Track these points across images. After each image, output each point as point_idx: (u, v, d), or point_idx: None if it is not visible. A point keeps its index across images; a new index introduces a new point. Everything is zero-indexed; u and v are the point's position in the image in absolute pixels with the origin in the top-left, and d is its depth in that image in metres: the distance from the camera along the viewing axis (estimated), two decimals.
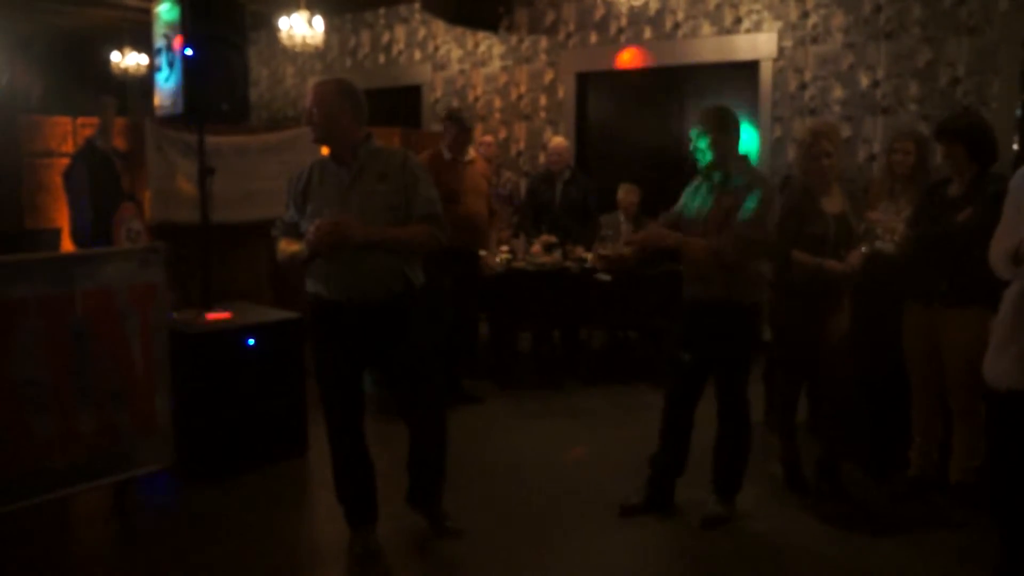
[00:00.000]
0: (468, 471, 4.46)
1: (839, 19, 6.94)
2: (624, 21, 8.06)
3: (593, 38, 8.30)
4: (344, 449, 3.69)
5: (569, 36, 8.47)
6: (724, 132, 3.80)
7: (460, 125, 5.62)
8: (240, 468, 4.53)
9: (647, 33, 7.95)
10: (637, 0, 7.75)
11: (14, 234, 5.44)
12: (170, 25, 4.53)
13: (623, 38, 8.09)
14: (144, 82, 11.39)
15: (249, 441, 4.54)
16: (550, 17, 8.58)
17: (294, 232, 3.54)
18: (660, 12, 7.82)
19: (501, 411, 5.74)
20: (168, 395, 4.07)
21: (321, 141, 3.52)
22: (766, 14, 7.28)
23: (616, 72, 8.22)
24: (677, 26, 7.77)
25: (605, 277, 6.08)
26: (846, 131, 6.84)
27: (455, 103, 9.24)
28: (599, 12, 8.21)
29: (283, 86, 11.26)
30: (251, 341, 4.51)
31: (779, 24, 7.22)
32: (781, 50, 7.22)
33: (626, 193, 6.96)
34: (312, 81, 3.59)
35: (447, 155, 5.64)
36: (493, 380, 6.32)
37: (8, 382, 3.58)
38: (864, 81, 6.86)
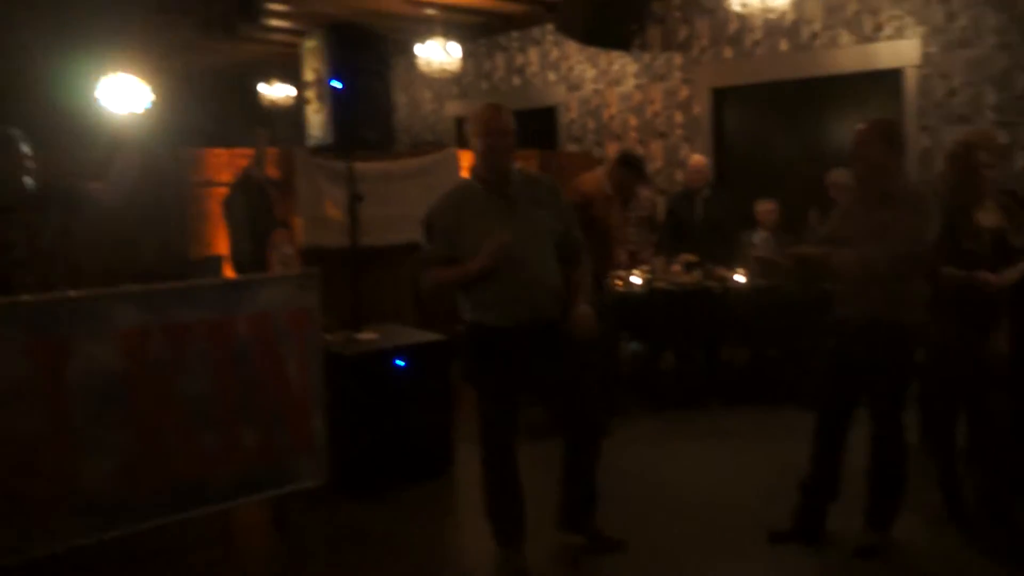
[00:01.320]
0: (611, 492, 4.45)
1: (990, 19, 6.62)
2: (759, 34, 7.92)
3: (728, 52, 8.20)
4: (500, 470, 3.73)
5: (703, 51, 8.39)
6: (884, 145, 3.68)
7: (635, 171, 5.64)
8: (389, 485, 4.67)
9: (783, 45, 7.79)
10: (772, 11, 7.61)
11: (181, 262, 5.76)
12: (319, 58, 4.73)
13: (759, 51, 7.95)
14: (291, 112, 11.93)
15: (398, 459, 4.68)
16: (683, 33, 8.53)
17: (444, 263, 3.59)
18: (796, 23, 7.66)
19: (643, 431, 5.71)
20: (323, 414, 4.22)
21: (479, 172, 3.58)
22: (908, 20, 7.02)
23: (753, 86, 8.09)
24: (814, 36, 7.58)
25: (740, 279, 5.97)
26: (1002, 138, 6.51)
27: (590, 124, 9.30)
28: (733, 25, 8.09)
29: (421, 111, 11.55)
30: (400, 362, 4.65)
31: (923, 29, 6.95)
32: (926, 56, 6.94)
33: (766, 209, 6.83)
34: (477, 108, 3.66)
35: (608, 191, 5.63)
36: (635, 400, 6.29)
37: (179, 399, 3.81)
38: (1021, 84, 6.53)
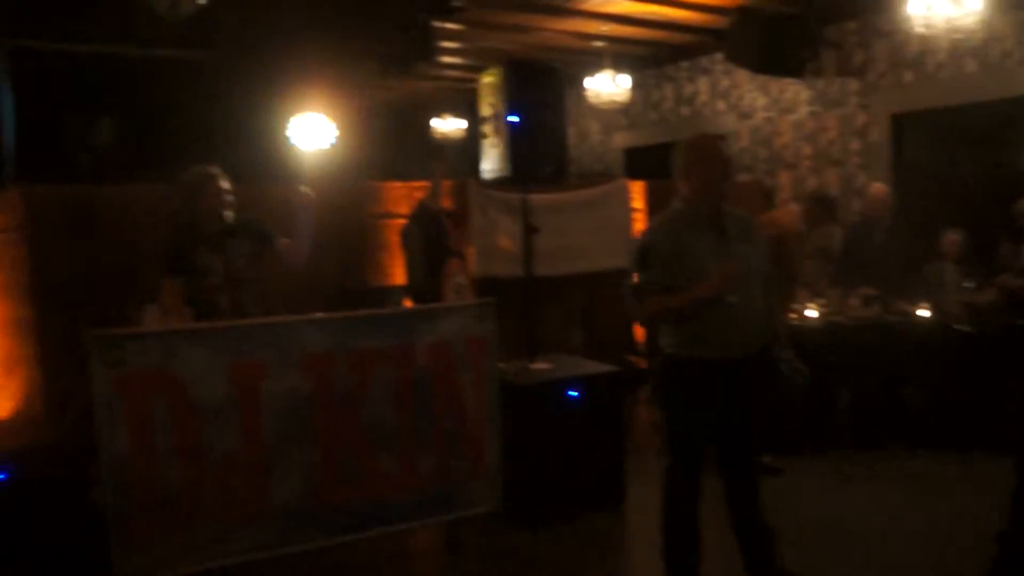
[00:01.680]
0: (787, 537, 4.29)
1: None
2: (943, 55, 7.56)
3: (908, 76, 7.87)
4: (683, 508, 3.68)
5: (881, 76, 8.08)
6: None
7: (830, 211, 5.59)
8: (559, 516, 4.69)
9: (970, 65, 7.40)
10: (959, 31, 7.25)
11: (361, 290, 6.03)
12: (496, 93, 4.85)
13: (943, 73, 7.59)
14: (462, 145, 12.29)
15: (569, 490, 4.69)
16: (860, 58, 8.25)
17: (660, 291, 3.52)
18: (985, 41, 7.26)
19: (818, 472, 5.50)
20: (497, 441, 4.30)
21: (699, 203, 3.57)
22: None
23: (936, 110, 7.72)
24: (1006, 55, 7.17)
25: (924, 313, 5.69)
26: None
27: (761, 153, 9.13)
28: (913, 48, 7.76)
29: (589, 142, 11.64)
30: (573, 392, 4.68)
31: None
32: None
33: (951, 241, 6.50)
34: (685, 139, 3.69)
35: (801, 228, 5.57)
36: (807, 438, 6.07)
37: (361, 422, 3.97)
38: None
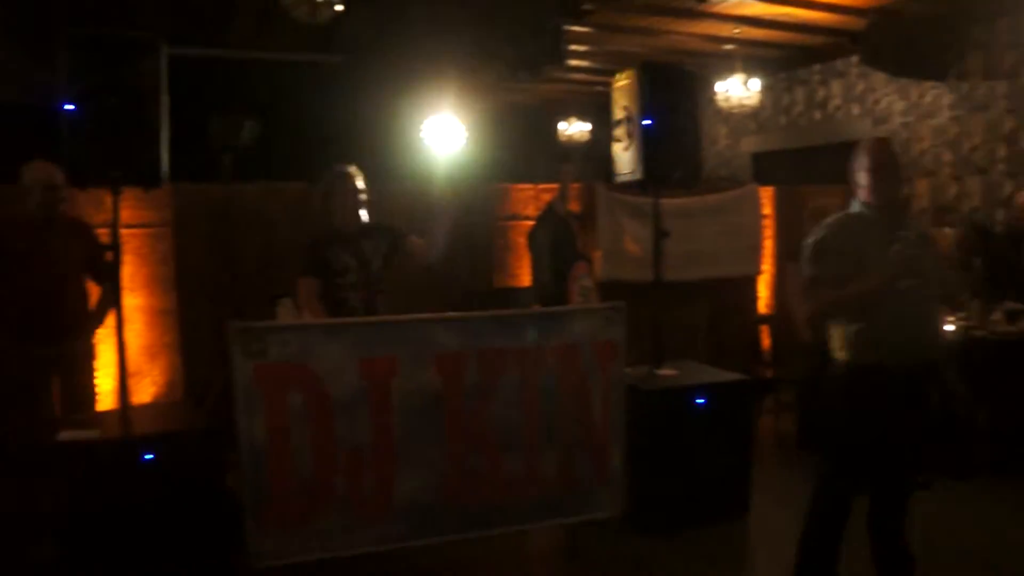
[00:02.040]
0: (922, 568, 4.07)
1: None
2: None
3: None
4: (829, 527, 3.56)
5: None
6: None
7: (985, 239, 5.39)
8: (680, 524, 4.61)
9: None
10: None
11: (489, 292, 6.09)
12: (629, 96, 4.82)
13: None
14: (587, 148, 12.28)
15: (693, 498, 4.61)
16: (1009, 59, 7.84)
17: (833, 286, 3.44)
18: None
19: (959, 495, 5.22)
20: (621, 447, 4.27)
21: (875, 206, 3.49)
22: None
23: None
24: None
25: None
26: None
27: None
28: None
29: (716, 147, 11.44)
30: (701, 400, 4.61)
31: None
32: None
33: None
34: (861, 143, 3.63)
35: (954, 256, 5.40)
36: (942, 459, 5.78)
37: (488, 421, 4.01)
38: None
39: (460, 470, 3.99)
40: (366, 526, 3.85)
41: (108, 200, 4.00)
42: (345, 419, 3.78)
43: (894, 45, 7.78)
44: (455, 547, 4.17)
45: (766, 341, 7.71)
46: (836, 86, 9.67)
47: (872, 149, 3.53)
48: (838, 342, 3.48)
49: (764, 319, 7.55)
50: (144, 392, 5.65)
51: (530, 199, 6.57)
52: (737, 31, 8.41)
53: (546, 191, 6.56)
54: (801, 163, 9.99)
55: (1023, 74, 7.71)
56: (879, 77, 8.94)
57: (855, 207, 3.55)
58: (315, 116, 8.69)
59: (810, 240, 3.56)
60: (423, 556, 4.14)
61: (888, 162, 3.48)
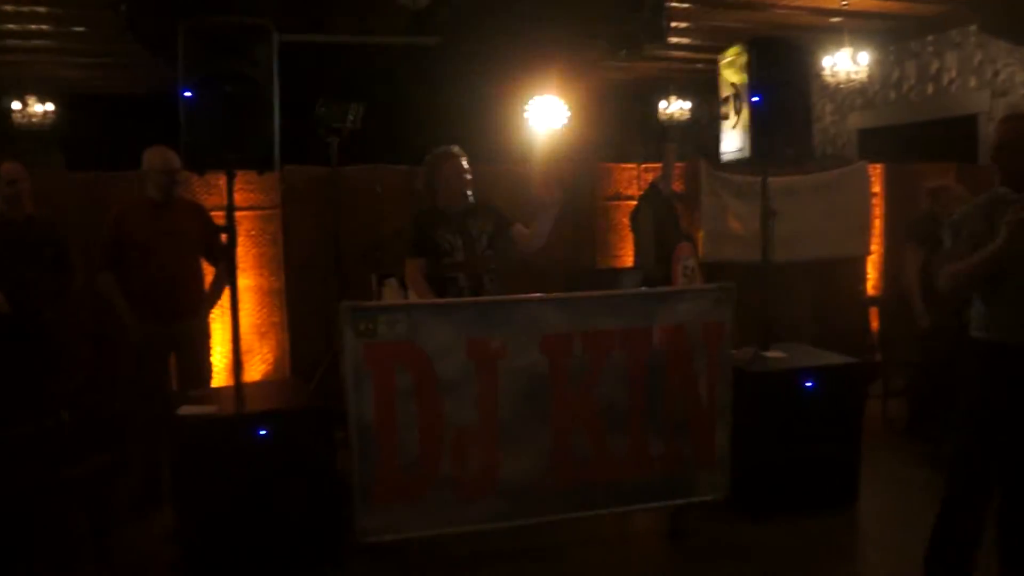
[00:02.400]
0: None
1: None
2: None
3: None
4: (967, 518, 3.39)
5: None
6: None
7: None
8: (788, 508, 4.52)
9: None
10: None
11: (593, 271, 6.07)
12: (738, 72, 4.71)
13: None
14: (687, 127, 12.11)
15: (800, 483, 4.51)
16: None
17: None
18: None
19: None
20: (727, 430, 4.21)
21: (1010, 182, 3.34)
22: None
23: None
24: None
25: None
26: None
27: None
28: None
29: (821, 124, 11.13)
30: (809, 384, 4.51)
31: None
32: None
33: None
34: (1001, 116, 3.51)
35: None
36: None
37: (594, 402, 4.01)
38: None
39: (565, 451, 4.00)
40: (471, 504, 3.90)
41: (222, 183, 4.11)
42: (452, 399, 3.82)
43: (1016, 12, 7.43)
44: (559, 527, 4.19)
45: (875, 324, 7.50)
46: (951, 58, 9.29)
47: (999, 126, 3.40)
48: (976, 321, 3.37)
49: (873, 301, 7.33)
50: (254, 370, 5.83)
51: (633, 178, 6.51)
52: (844, 2, 8.14)
53: (649, 170, 6.49)
54: (911, 139, 9.65)
55: None
56: (999, 47, 8.55)
57: (999, 188, 3.41)
58: (417, 98, 8.77)
59: (950, 220, 3.50)
60: (527, 535, 4.17)
61: (1014, 139, 3.29)
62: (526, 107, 6.27)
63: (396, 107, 8.32)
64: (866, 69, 8.82)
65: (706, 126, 11.11)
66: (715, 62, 4.99)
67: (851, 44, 8.77)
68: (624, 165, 6.65)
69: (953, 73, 9.26)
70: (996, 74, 8.73)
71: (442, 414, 3.82)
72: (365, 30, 8.00)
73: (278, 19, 4.09)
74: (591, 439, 4.03)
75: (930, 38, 9.52)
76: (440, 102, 8.54)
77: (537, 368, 3.91)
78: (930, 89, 9.53)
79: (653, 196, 5.92)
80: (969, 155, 8.69)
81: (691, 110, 12.34)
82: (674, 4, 7.94)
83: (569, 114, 6.51)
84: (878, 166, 7.70)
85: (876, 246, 7.58)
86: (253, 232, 5.83)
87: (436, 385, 3.79)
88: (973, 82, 9.00)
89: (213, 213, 5.06)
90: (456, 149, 4.61)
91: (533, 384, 3.92)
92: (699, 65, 10.90)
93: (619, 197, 6.47)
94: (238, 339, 4.13)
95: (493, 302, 4.14)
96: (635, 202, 6.16)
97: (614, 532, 4.46)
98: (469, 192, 4.56)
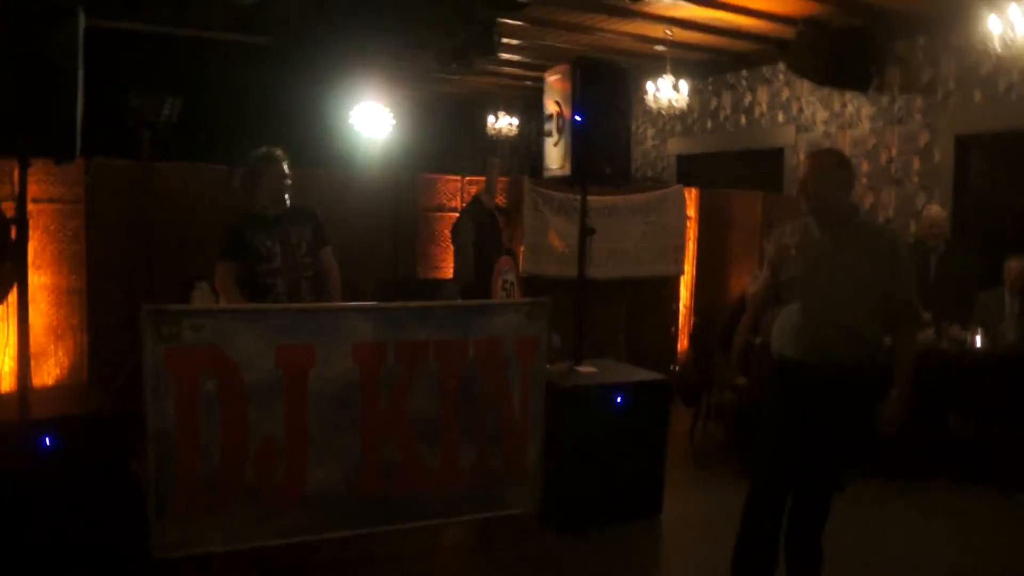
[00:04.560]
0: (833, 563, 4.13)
1: None
2: (1016, 76, 7.36)
3: (977, 96, 7.68)
4: (762, 522, 3.58)
5: (948, 95, 7.90)
6: None
7: None
8: (596, 521, 4.62)
9: None
10: None
11: (412, 282, 6.02)
12: (561, 92, 4.80)
13: (1014, 95, 7.39)
14: (514, 142, 12.28)
15: (608, 495, 4.62)
16: (927, 74, 8.07)
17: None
18: None
19: (861, 498, 5.33)
20: (539, 443, 4.26)
21: (813, 211, 3.54)
22: None
23: (1005, 133, 7.52)
24: None
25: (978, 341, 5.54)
26: None
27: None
28: (985, 67, 7.56)
29: (643, 147, 11.55)
30: (619, 398, 4.62)
31: None
32: None
33: (1013, 268, 6.31)
34: (805, 152, 3.74)
35: None
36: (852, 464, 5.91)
37: (405, 414, 3.96)
38: None
39: (375, 462, 3.94)
40: (276, 517, 3.77)
41: (15, 172, 3.82)
42: (259, 406, 3.69)
43: (819, 54, 7.93)
44: (368, 540, 4.11)
45: (683, 342, 7.81)
46: (762, 92, 9.84)
47: (804, 161, 3.66)
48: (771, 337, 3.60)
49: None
50: (47, 374, 5.43)
51: (456, 191, 6.52)
52: (668, 32, 8.49)
53: (473, 183, 6.52)
54: (725, 167, 10.16)
55: (939, 90, 7.95)
56: (804, 85, 9.13)
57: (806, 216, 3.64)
58: (239, 97, 8.48)
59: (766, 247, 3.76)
60: (335, 549, 4.08)
61: (816, 172, 3.53)
62: (351, 113, 6.17)
63: (217, 104, 8.01)
64: (686, 98, 9.21)
65: (532, 142, 11.31)
66: (543, 80, 5.06)
67: (673, 73, 9.14)
68: (448, 177, 6.65)
69: (764, 107, 9.81)
70: (801, 110, 9.32)
71: (248, 422, 3.68)
72: (186, 21, 7.68)
73: (88, 1, 3.84)
74: (402, 451, 3.98)
75: (744, 72, 10.05)
76: (264, 101, 8.30)
77: (349, 377, 3.83)
78: (743, 120, 10.06)
79: (475, 209, 5.94)
80: (775, 185, 9.24)
81: (518, 126, 12.53)
82: (506, 21, 8.02)
83: (394, 123, 6.46)
84: (694, 190, 8.05)
85: (689, 266, 7.92)
86: (52, 227, 5.43)
87: (243, 392, 3.65)
88: (780, 116, 9.56)
89: (6, 204, 4.68)
90: (279, 152, 4.47)
91: (344, 394, 3.83)
92: (528, 82, 11.09)
93: (442, 208, 6.46)
94: (27, 340, 3.83)
95: (304, 309, 4.04)
96: (457, 214, 6.17)
97: (424, 545, 4.41)
98: (287, 196, 4.43)
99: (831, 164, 3.57)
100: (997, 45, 6.11)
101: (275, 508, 3.76)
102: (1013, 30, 5.87)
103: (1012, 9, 5.94)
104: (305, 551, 3.99)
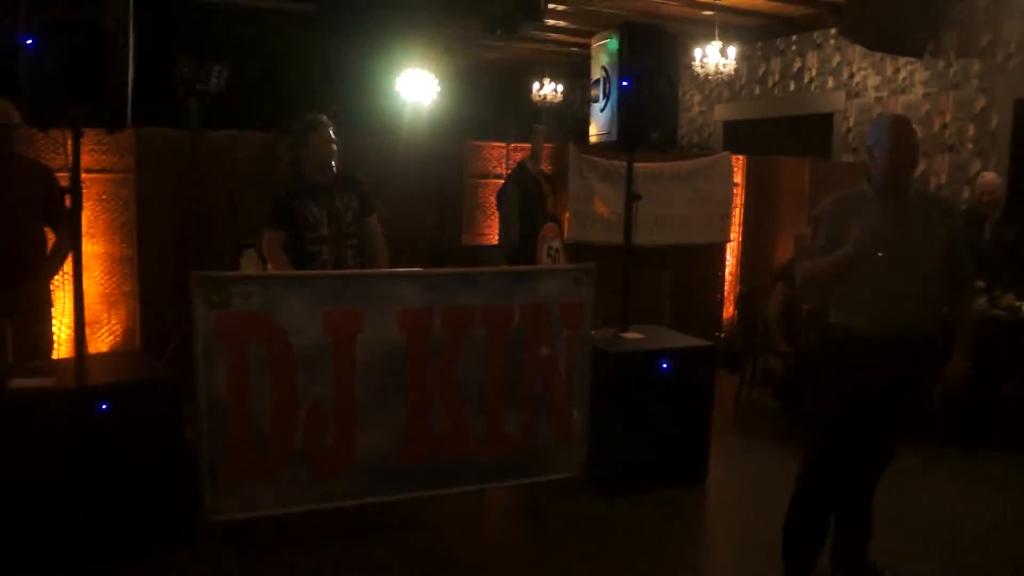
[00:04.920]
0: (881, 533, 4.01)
1: None
2: None
3: None
4: (823, 495, 3.55)
5: (1008, 58, 7.69)
6: None
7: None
8: (641, 486, 4.63)
9: None
10: None
11: (459, 248, 6.03)
12: (609, 57, 4.75)
13: None
14: (559, 109, 12.20)
15: (653, 461, 4.63)
16: (986, 38, 7.86)
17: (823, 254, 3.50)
18: None
19: (906, 466, 5.27)
20: (585, 408, 4.26)
21: (886, 183, 3.43)
22: None
23: None
24: None
25: None
26: None
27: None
28: None
29: (689, 114, 11.41)
30: (665, 364, 4.61)
31: None
32: None
33: None
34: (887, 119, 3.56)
35: None
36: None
37: (452, 379, 3.97)
38: None
39: (422, 427, 3.96)
40: (325, 481, 3.82)
41: (69, 142, 3.87)
42: (308, 372, 3.72)
43: (874, 19, 7.76)
44: (414, 504, 4.15)
45: (729, 309, 7.75)
46: (812, 58, 9.66)
47: (888, 128, 3.45)
48: (832, 308, 3.53)
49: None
50: (102, 341, 5.55)
51: (501, 158, 6.50)
52: None
53: (518, 150, 6.50)
54: (772, 133, 10.01)
55: (998, 53, 7.74)
56: (855, 51, 8.94)
57: (864, 183, 3.54)
58: (286, 65, 8.52)
59: (815, 211, 3.63)
60: (382, 512, 4.12)
61: (902, 144, 3.39)
62: (397, 80, 6.17)
63: (265, 72, 8.06)
64: (734, 63, 9.07)
65: (578, 109, 11.23)
66: (589, 46, 5.01)
67: (721, 38, 8.99)
68: (493, 144, 6.64)
69: (813, 73, 9.63)
70: (851, 76, 9.14)
71: (297, 388, 3.71)
72: None
73: None
74: (449, 416, 4.00)
75: (794, 38, 9.87)
76: (310, 69, 8.33)
77: (395, 343, 3.84)
78: (792, 86, 9.89)
79: (521, 176, 5.93)
80: (823, 151, 9.08)
81: (564, 93, 12.44)
82: None
83: (439, 90, 6.45)
84: (741, 157, 7.95)
85: (736, 233, 7.84)
86: (104, 196, 5.53)
87: (292, 358, 3.68)
88: (831, 82, 9.38)
89: (60, 174, 4.76)
90: (324, 118, 4.48)
91: (391, 360, 3.85)
92: (574, 48, 10.99)
93: (487, 175, 6.46)
94: (82, 308, 3.90)
95: (352, 276, 4.07)
96: (503, 181, 6.15)
97: (470, 509, 4.45)
98: (334, 163, 4.45)
99: (911, 132, 3.43)
100: None
101: (324, 472, 3.81)
102: None
103: None
104: (355, 515, 4.05)
